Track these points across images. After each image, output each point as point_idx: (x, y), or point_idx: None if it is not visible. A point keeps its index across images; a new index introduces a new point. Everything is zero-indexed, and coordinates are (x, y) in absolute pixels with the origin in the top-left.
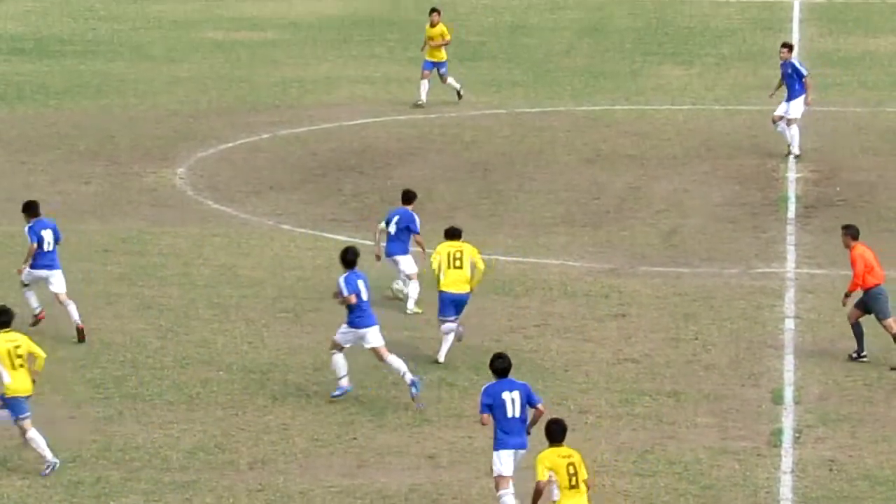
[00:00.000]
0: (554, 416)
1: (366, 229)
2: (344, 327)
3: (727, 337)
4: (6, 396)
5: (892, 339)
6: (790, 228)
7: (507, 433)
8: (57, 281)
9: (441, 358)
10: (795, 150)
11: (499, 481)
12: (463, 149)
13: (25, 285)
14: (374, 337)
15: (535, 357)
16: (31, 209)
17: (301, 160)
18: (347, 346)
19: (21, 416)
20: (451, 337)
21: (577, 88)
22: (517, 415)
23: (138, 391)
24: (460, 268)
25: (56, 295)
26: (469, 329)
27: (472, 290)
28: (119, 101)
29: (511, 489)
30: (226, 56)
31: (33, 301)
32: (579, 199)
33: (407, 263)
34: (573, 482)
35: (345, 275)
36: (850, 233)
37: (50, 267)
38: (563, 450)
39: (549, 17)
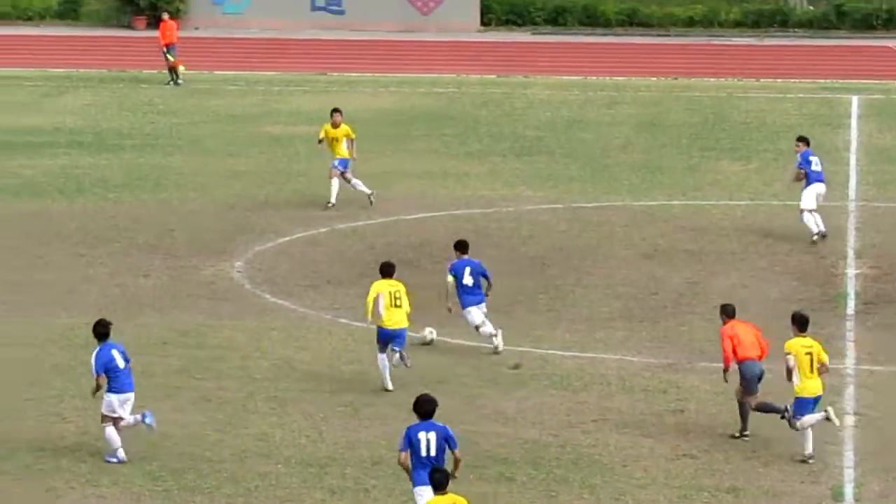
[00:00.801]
0: None
1: (424, 324)
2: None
3: (787, 432)
4: None
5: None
6: (849, 325)
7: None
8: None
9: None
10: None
11: None
12: (520, 243)
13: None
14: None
15: (593, 452)
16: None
17: (359, 254)
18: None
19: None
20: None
21: (634, 183)
22: (432, 454)
23: (196, 484)
24: (399, 306)
25: None
26: (527, 424)
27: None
28: (177, 194)
29: None
30: (283, 150)
31: None
32: (637, 294)
33: (478, 313)
34: None
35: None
36: (725, 312)
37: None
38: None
39: (606, 112)
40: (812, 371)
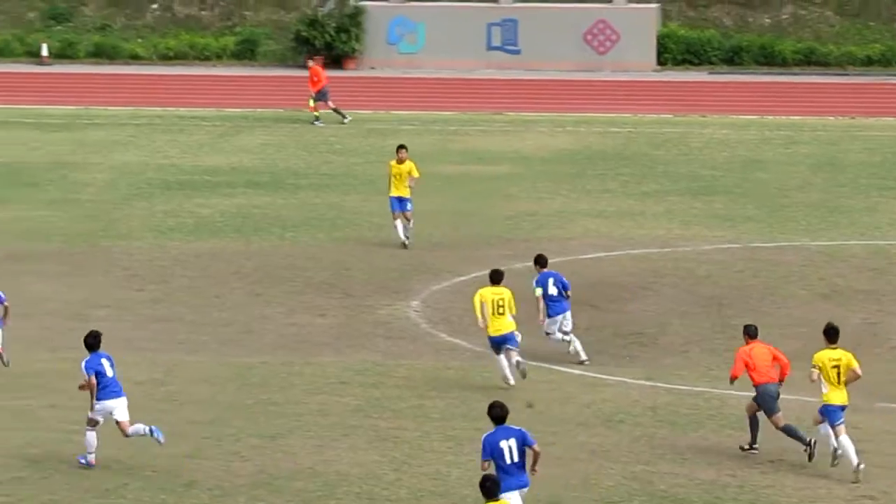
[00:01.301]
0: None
1: (599, 363)
2: None
3: None
4: None
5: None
6: None
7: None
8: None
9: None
10: None
11: None
12: (697, 283)
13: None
14: None
15: (770, 493)
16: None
17: (532, 294)
18: None
19: None
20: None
21: (811, 223)
22: (516, 460)
23: None
24: (503, 314)
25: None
26: (704, 464)
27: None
28: (354, 233)
29: None
30: (458, 190)
31: None
32: (814, 335)
33: (568, 321)
34: None
35: None
36: (747, 332)
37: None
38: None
39: (784, 152)
40: (839, 382)
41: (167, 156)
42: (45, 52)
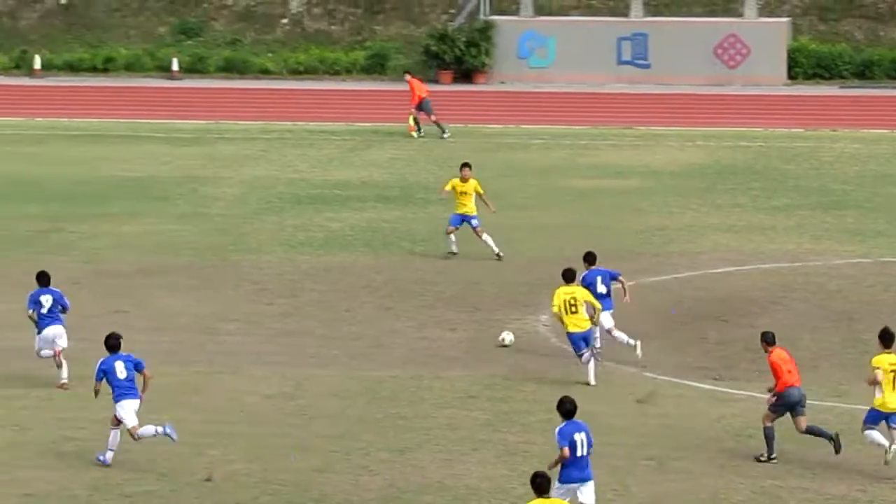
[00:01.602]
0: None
1: (731, 378)
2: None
3: None
4: None
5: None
6: None
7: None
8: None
9: (592, 381)
10: None
11: None
12: (827, 298)
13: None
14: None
15: None
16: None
17: (665, 308)
18: None
19: None
20: (592, 363)
21: None
22: (585, 453)
23: None
24: (576, 312)
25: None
26: (834, 479)
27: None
28: (483, 248)
29: None
30: (588, 204)
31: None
32: None
33: (608, 318)
34: None
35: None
36: (765, 339)
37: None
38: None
39: None
40: (894, 388)
41: (297, 170)
42: (175, 66)
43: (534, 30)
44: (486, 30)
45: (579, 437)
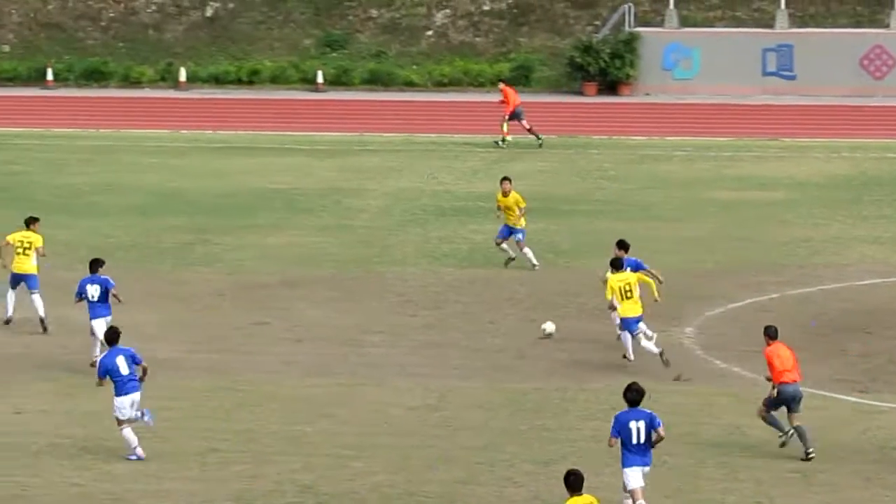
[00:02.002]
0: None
1: (875, 390)
2: None
3: None
4: None
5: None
6: None
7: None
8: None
9: (655, 349)
10: None
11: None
12: None
13: None
14: None
15: None
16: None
17: (809, 320)
18: None
19: None
20: (648, 342)
21: None
22: (642, 441)
23: None
24: (630, 297)
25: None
26: None
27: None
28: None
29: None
30: (733, 216)
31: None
32: None
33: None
34: None
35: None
36: (768, 333)
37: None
38: (584, 499)
39: None
40: None
41: (441, 182)
42: (320, 79)
43: (678, 41)
44: (630, 41)
45: (636, 426)
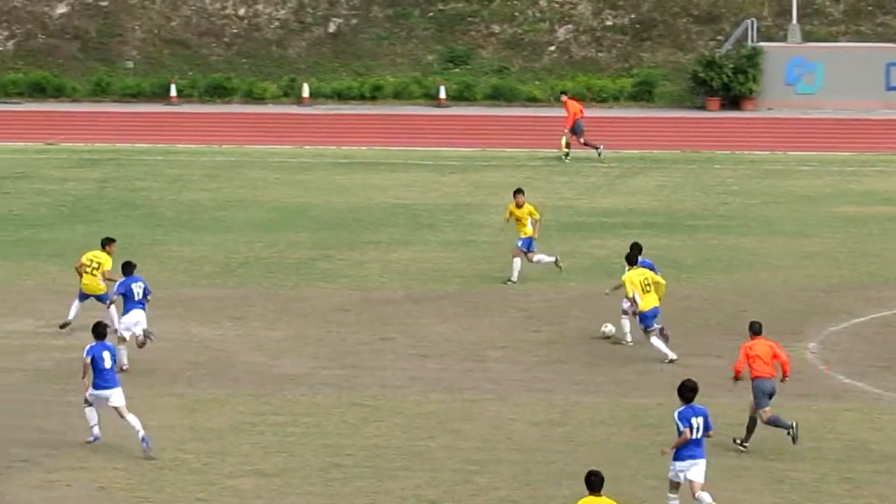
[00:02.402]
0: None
1: None
2: None
3: None
4: None
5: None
6: None
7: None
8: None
9: (671, 355)
10: None
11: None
12: None
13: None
14: None
15: None
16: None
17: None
18: None
19: None
20: (659, 341)
21: None
22: (699, 436)
23: None
24: (650, 291)
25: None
26: None
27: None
28: (750, 275)
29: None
30: (857, 231)
31: None
32: None
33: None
34: None
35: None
36: (752, 329)
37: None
38: (603, 500)
39: None
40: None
41: (563, 197)
42: (442, 94)
43: (801, 56)
44: (753, 56)
45: (696, 422)
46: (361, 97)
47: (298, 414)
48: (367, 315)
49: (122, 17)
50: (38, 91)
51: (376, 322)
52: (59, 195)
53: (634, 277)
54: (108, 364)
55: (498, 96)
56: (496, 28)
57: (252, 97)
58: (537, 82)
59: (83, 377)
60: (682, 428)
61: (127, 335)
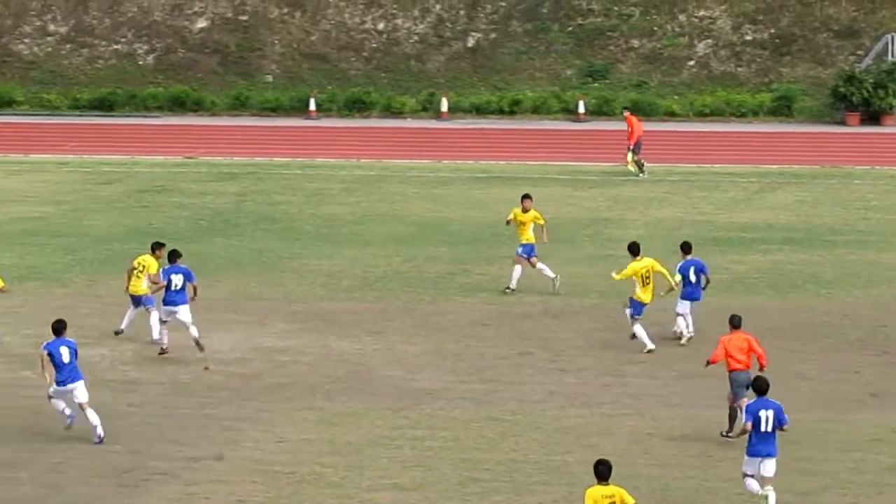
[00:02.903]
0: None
1: None
2: None
3: None
4: None
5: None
6: None
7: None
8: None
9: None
10: None
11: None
12: None
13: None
14: None
15: None
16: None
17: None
18: None
19: None
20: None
21: None
22: (770, 429)
23: None
24: (649, 284)
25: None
26: None
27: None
28: (890, 291)
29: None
30: None
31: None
32: None
33: (684, 305)
34: None
35: None
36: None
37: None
38: (608, 488)
39: None
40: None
41: (702, 212)
42: (581, 109)
43: None
44: (893, 71)
45: (765, 414)
46: (500, 112)
47: (436, 428)
48: (505, 329)
49: (261, 32)
50: (178, 105)
51: (515, 336)
52: (197, 209)
53: (638, 267)
54: (66, 359)
55: (636, 111)
56: (635, 42)
57: (391, 111)
58: (676, 97)
59: (41, 370)
60: (745, 420)
61: (164, 319)
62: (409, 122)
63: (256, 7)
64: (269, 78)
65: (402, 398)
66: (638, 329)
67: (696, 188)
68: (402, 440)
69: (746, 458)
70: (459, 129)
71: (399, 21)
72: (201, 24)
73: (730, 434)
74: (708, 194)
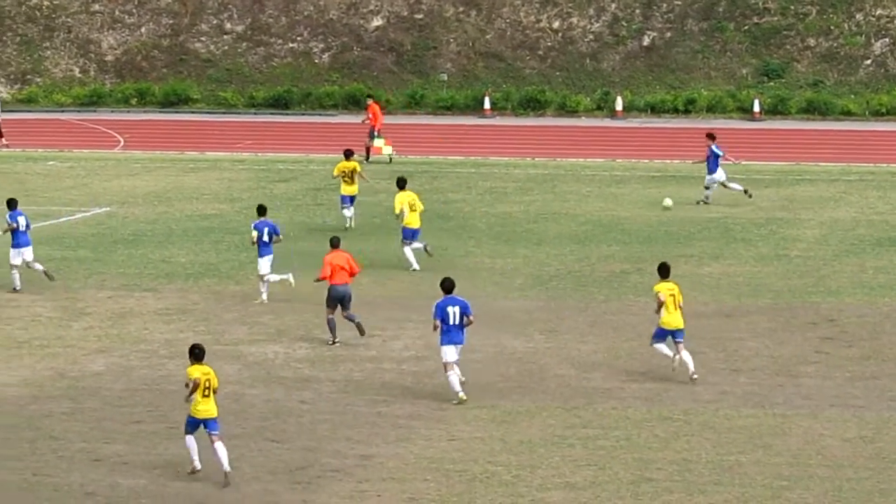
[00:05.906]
0: None
1: None
2: None
3: None
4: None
5: None
6: None
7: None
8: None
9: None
10: None
11: (445, 366)
12: None
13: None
14: None
15: None
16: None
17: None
18: None
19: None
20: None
21: None
22: (457, 322)
23: None
24: (677, 309)
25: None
26: None
27: None
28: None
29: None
30: None
31: None
32: None
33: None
34: None
35: None
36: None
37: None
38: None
39: None
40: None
41: (879, 212)
42: (756, 108)
43: None
44: None
45: (452, 311)
46: (675, 110)
47: (608, 427)
48: None
49: (436, 31)
50: (353, 103)
51: (687, 336)
52: (371, 206)
53: (664, 289)
54: (22, 227)
55: (812, 110)
56: (811, 42)
57: (565, 110)
58: (853, 96)
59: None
60: (434, 317)
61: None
62: (584, 121)
63: (432, 6)
64: (444, 76)
65: (574, 397)
66: (662, 349)
67: (873, 188)
68: (573, 439)
69: (442, 348)
70: (634, 128)
71: (574, 20)
72: (377, 22)
73: (337, 341)
74: (884, 194)
